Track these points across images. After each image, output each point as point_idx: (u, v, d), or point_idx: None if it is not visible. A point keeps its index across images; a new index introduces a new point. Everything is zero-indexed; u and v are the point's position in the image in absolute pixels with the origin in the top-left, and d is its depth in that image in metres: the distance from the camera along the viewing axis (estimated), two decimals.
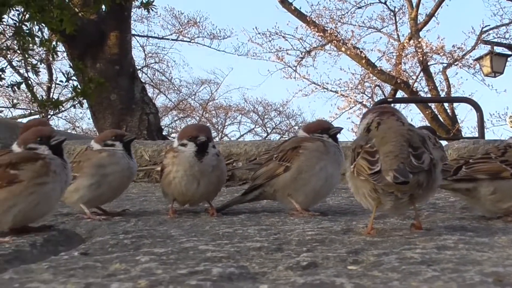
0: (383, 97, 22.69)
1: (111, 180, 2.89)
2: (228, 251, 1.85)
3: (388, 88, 23.85)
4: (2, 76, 10.51)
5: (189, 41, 27.96)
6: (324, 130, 2.91)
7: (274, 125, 31.54)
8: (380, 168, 2.05)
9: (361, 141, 2.21)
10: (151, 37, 28.05)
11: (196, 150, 2.85)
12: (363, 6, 24.13)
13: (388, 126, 2.22)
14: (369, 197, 2.13)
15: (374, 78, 23.44)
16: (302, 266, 1.64)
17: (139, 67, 24.17)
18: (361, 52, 22.64)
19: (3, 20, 10.41)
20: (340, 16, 24.01)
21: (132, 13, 14.89)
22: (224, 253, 1.82)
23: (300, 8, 23.10)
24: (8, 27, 11.74)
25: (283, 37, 24.98)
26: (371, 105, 20.02)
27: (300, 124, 29.86)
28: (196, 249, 1.90)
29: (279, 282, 1.48)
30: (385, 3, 23.90)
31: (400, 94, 22.52)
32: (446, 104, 22.03)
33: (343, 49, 22.74)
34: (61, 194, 2.42)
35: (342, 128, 2.95)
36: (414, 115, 26.09)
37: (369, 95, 24.62)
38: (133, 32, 18.34)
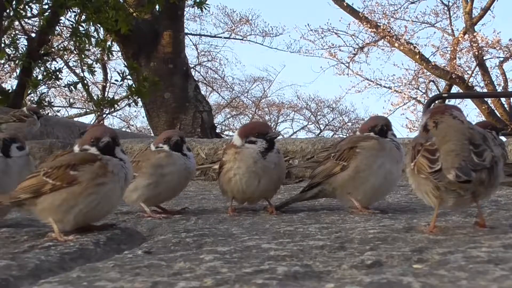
0: (438, 92, 22.44)
1: (169, 180, 2.91)
2: (291, 249, 1.85)
3: (442, 84, 23.56)
4: (59, 76, 10.67)
5: (242, 39, 28.07)
6: (372, 128, 2.87)
7: (327, 122, 31.43)
8: (441, 166, 2.02)
9: (421, 139, 2.19)
10: (204, 35, 28.24)
11: (266, 146, 2.84)
12: (416, 1, 23.91)
13: (448, 124, 2.19)
14: (431, 195, 2.11)
15: (428, 73, 23.17)
16: (367, 264, 1.63)
17: (192, 66, 24.31)
18: (414, 47, 22.40)
19: (60, 21, 10.57)
20: (393, 12, 23.83)
21: (185, 12, 14.96)
22: (287, 251, 1.82)
23: (352, 5, 23.00)
24: (65, 28, 11.95)
25: (336, 33, 24.90)
26: (425, 100, 19.83)
27: (353, 121, 29.75)
28: (259, 247, 1.90)
29: (344, 281, 1.47)
30: None
31: (455, 89, 22.22)
32: (503, 99, 21.69)
33: (396, 44, 22.55)
34: (121, 193, 2.44)
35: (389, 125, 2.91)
36: (470, 111, 25.81)
37: (423, 91, 24.39)
38: (186, 30, 18.45)
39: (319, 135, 29.08)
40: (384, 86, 24.73)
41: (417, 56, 22.11)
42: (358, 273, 1.54)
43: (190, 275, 1.54)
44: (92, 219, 2.37)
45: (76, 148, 2.44)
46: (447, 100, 20.76)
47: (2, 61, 11.05)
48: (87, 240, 2.13)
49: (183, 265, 1.67)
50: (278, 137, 2.98)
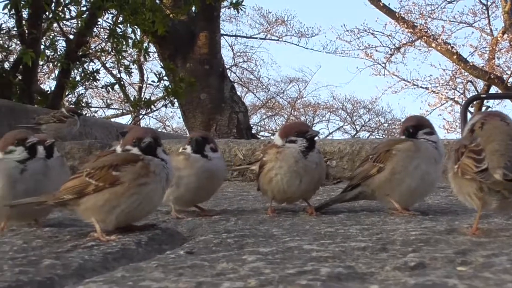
0: (476, 93, 22.25)
1: (188, 182, 2.91)
2: (333, 250, 1.84)
3: (480, 84, 23.32)
4: (97, 77, 10.77)
5: (277, 40, 28.10)
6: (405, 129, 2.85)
7: (363, 123, 31.28)
8: (487, 166, 2.01)
9: (465, 141, 2.18)
10: (240, 36, 28.29)
11: (307, 145, 2.84)
12: (454, 1, 23.69)
13: (493, 126, 2.17)
14: (474, 196, 2.09)
15: (466, 73, 22.94)
16: (410, 266, 1.62)
17: (228, 66, 24.37)
18: (452, 47, 22.19)
19: (98, 23, 10.67)
20: (430, 12, 23.64)
21: (221, 13, 15.02)
22: (329, 252, 1.81)
23: (389, 5, 22.84)
24: (102, 29, 12.05)
25: (372, 34, 24.80)
26: (463, 101, 19.64)
27: (389, 122, 29.56)
28: (301, 248, 1.90)
29: (388, 282, 1.46)
30: None
31: (493, 89, 21.97)
32: None
33: (433, 45, 22.37)
34: (163, 193, 2.45)
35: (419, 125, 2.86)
36: (509, 111, 25.32)
37: (461, 91, 24.16)
38: (222, 31, 18.53)
39: (355, 136, 28.98)
40: (421, 87, 24.57)
41: (455, 56, 21.90)
42: (401, 275, 1.54)
43: (234, 275, 1.55)
44: (133, 219, 2.38)
45: (118, 149, 2.46)
46: (485, 101, 20.65)
47: (41, 63, 11.14)
48: (129, 240, 2.15)
49: (226, 266, 1.68)
50: (317, 137, 2.93)
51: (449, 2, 23.66)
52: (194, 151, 2.93)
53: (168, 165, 2.42)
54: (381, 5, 22.45)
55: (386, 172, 2.80)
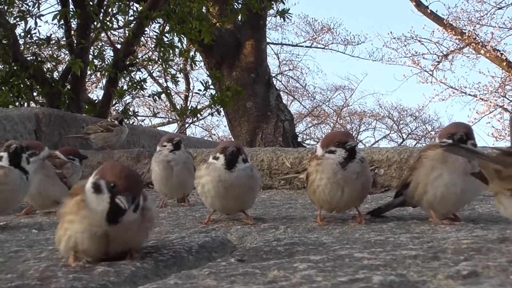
0: None
1: (207, 190, 2.95)
2: (384, 258, 1.84)
3: None
4: (144, 86, 10.87)
5: (323, 48, 28.00)
6: (452, 135, 2.78)
7: (409, 131, 30.96)
8: None
9: None
10: (285, 44, 28.27)
11: (346, 156, 2.78)
12: (504, 7, 23.32)
13: None
14: None
15: None
16: (463, 275, 1.60)
17: (274, 75, 24.36)
18: (501, 54, 21.90)
19: (145, 32, 10.77)
20: (478, 18, 23.34)
21: (267, 22, 15.06)
22: (380, 261, 1.81)
23: (436, 11, 22.64)
24: (149, 39, 12.16)
25: (419, 41, 24.57)
26: None
27: (436, 130, 29.27)
28: (352, 256, 1.89)
29: None
30: None
31: None
32: None
33: (482, 51, 22.10)
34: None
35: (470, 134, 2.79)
36: None
37: (511, 99, 23.82)
38: (267, 40, 18.57)
39: (402, 144, 28.75)
40: (469, 94, 24.26)
41: (504, 63, 21.61)
42: (454, 284, 1.53)
43: (286, 283, 1.55)
44: None
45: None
46: None
47: (89, 72, 11.28)
48: (180, 248, 2.16)
49: (278, 273, 1.68)
50: (358, 146, 2.89)
51: (499, 8, 23.34)
52: (227, 163, 2.88)
53: None
54: (429, 12, 22.27)
55: (413, 181, 2.81)
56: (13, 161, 3.10)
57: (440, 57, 24.21)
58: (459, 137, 2.75)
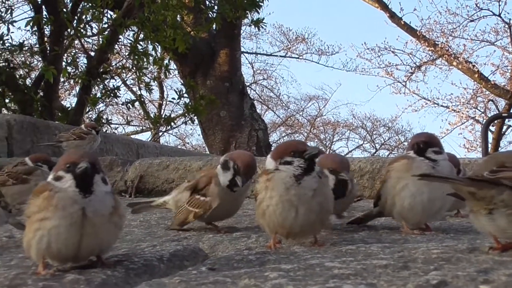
0: (497, 112, 22.11)
1: None
2: (355, 268, 1.84)
3: (502, 103, 23.14)
4: (117, 94, 10.84)
5: (297, 58, 28.11)
6: (412, 146, 2.78)
7: (383, 141, 31.15)
8: None
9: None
10: (260, 54, 28.40)
11: (305, 167, 2.36)
12: (476, 19, 23.53)
13: None
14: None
15: (488, 92, 22.78)
16: (432, 284, 1.61)
17: (248, 84, 24.39)
18: (473, 66, 22.09)
19: (119, 40, 10.75)
20: (451, 30, 23.52)
21: (241, 31, 15.08)
22: (351, 270, 1.81)
23: (410, 23, 22.80)
24: (123, 46, 12.15)
25: (393, 52, 24.71)
26: (484, 120, 19.55)
27: (409, 140, 29.44)
28: (322, 265, 1.89)
29: None
30: (499, 15, 23.22)
31: None
32: None
33: (454, 63, 22.28)
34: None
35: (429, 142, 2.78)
36: None
37: (482, 110, 23.98)
38: (242, 49, 18.61)
39: (375, 154, 28.89)
40: (442, 105, 24.42)
41: (476, 75, 21.80)
42: None
43: None
44: None
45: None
46: (506, 120, 20.53)
47: (63, 79, 11.23)
48: (151, 256, 2.15)
49: (248, 282, 1.68)
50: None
51: (471, 21, 23.55)
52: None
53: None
54: (402, 23, 22.43)
55: (382, 194, 2.83)
56: None
57: (413, 68, 24.37)
58: (416, 148, 2.75)
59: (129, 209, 3.29)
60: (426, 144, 2.74)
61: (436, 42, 22.81)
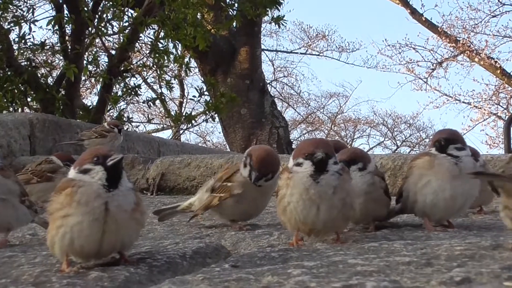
0: None
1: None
2: (378, 265, 1.83)
3: None
4: (138, 92, 10.86)
5: (318, 55, 28.07)
6: (434, 143, 2.76)
7: (404, 138, 31.01)
8: None
9: None
10: (280, 51, 28.35)
11: (314, 169, 2.36)
12: (498, 15, 23.38)
13: None
14: None
15: (510, 88, 22.63)
16: (456, 281, 1.60)
17: (268, 81, 24.38)
18: (495, 62, 21.93)
19: (140, 38, 10.78)
20: (473, 26, 23.37)
21: (261, 28, 15.08)
22: (374, 267, 1.81)
23: (431, 19, 22.69)
24: (144, 45, 12.18)
25: (414, 48, 24.61)
26: (506, 116, 19.40)
27: (431, 137, 29.26)
28: (345, 262, 1.89)
29: None
30: None
31: None
32: None
33: (476, 59, 22.13)
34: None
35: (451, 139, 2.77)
36: None
37: (505, 106, 23.80)
38: (262, 46, 18.60)
39: (396, 151, 28.76)
40: (463, 102, 24.28)
41: (498, 71, 21.65)
42: None
43: None
44: None
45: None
46: None
47: (84, 78, 11.29)
48: (174, 253, 2.16)
49: (271, 279, 1.68)
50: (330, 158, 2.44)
51: (493, 16, 23.39)
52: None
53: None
54: (423, 19, 22.32)
55: (404, 190, 2.82)
56: None
57: (434, 65, 24.26)
58: (438, 144, 2.74)
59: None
60: (448, 141, 2.72)
61: (458, 38, 22.66)
